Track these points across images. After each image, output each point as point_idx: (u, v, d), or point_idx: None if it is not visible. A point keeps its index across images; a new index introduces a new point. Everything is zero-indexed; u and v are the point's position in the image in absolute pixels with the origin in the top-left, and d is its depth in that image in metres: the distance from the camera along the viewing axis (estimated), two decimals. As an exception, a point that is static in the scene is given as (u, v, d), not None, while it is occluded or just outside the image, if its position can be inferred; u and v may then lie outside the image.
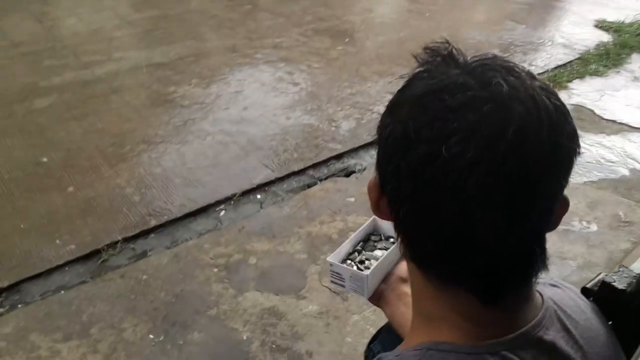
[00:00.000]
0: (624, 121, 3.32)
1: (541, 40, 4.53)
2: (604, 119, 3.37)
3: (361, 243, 1.03)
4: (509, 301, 0.57)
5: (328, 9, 5.00)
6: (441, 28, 4.75)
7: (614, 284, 0.78)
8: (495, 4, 5.48)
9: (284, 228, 2.44)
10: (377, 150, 0.58)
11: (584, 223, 2.47)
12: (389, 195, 0.57)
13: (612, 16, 4.91)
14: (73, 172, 2.74)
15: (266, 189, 2.74)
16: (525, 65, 4.07)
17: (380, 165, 0.57)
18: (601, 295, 0.79)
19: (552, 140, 0.51)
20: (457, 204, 0.50)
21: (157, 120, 3.20)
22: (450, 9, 5.28)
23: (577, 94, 3.66)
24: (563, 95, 3.65)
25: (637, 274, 0.78)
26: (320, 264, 2.22)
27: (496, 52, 3.98)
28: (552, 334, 0.60)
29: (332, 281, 0.98)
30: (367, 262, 0.99)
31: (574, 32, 4.65)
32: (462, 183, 0.49)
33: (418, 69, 0.57)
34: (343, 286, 0.97)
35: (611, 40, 4.45)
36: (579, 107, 3.49)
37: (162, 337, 1.91)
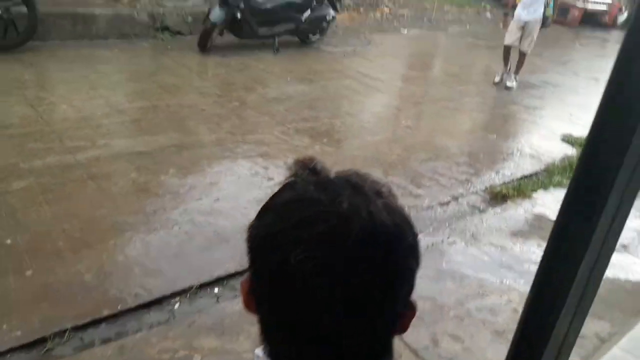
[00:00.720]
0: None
1: (510, 151, 4.75)
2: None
3: None
4: None
5: (312, 110, 5.26)
6: (415, 134, 4.99)
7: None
8: (470, 114, 5.79)
9: (236, 324, 2.43)
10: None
11: None
12: (253, 293, 0.63)
13: (578, 132, 5.19)
14: (35, 255, 2.76)
15: (225, 282, 2.76)
16: (493, 173, 4.28)
17: (248, 265, 0.63)
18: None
19: (387, 254, 0.57)
20: (304, 307, 0.57)
21: (128, 208, 3.27)
22: (429, 117, 5.57)
23: (540, 204, 3.80)
24: (526, 205, 3.80)
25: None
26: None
27: (465, 158, 4.16)
28: None
29: None
30: None
31: (541, 144, 4.90)
32: (308, 286, 0.55)
33: (287, 179, 0.65)
34: None
35: (575, 153, 4.67)
36: (541, 217, 3.61)
37: None
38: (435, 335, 2.50)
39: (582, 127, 5.43)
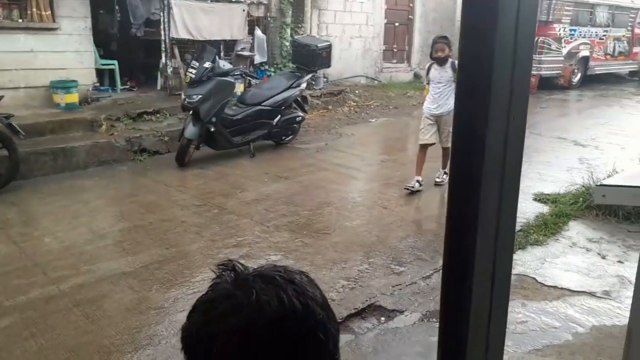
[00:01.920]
0: (564, 286, 3.47)
1: (485, 217, 4.87)
2: (545, 285, 3.51)
3: None
4: None
5: (290, 206, 5.41)
6: (391, 214, 5.12)
7: None
8: (442, 188, 5.97)
9: None
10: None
11: (530, 395, 2.45)
12: None
13: (548, 189, 5.36)
14: (21, 392, 2.73)
15: (215, 390, 2.72)
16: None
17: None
18: None
19: (295, 331, 0.67)
20: None
21: (113, 329, 3.28)
22: (403, 197, 5.74)
23: (520, 264, 3.86)
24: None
25: None
26: None
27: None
28: None
29: None
30: None
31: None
32: None
33: (213, 280, 0.76)
34: None
35: (548, 210, 4.81)
36: (522, 277, 3.65)
37: None
38: (431, 412, 2.46)
39: (552, 184, 5.63)
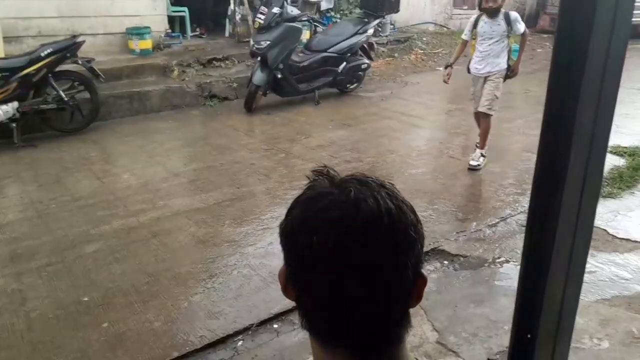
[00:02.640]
0: (637, 239, 3.35)
1: (556, 168, 4.72)
2: (617, 237, 3.41)
3: None
4: (378, 358, 0.74)
5: (354, 152, 5.45)
6: (459, 163, 5.05)
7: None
8: (514, 138, 5.80)
9: (296, 355, 2.55)
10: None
11: (595, 340, 2.45)
12: (290, 280, 0.76)
13: (626, 142, 5.09)
14: (109, 309, 3.01)
15: (283, 318, 2.89)
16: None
17: (284, 257, 0.77)
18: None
19: (390, 228, 0.71)
20: (329, 278, 0.70)
21: (189, 259, 3.51)
22: (471, 146, 5.63)
23: (592, 216, 3.74)
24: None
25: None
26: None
27: (511, 180, 4.17)
28: None
29: None
30: None
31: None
32: (331, 261, 0.69)
33: (308, 184, 0.80)
34: None
35: (625, 164, 4.59)
36: (594, 229, 3.55)
37: None
38: (491, 350, 2.51)
39: (630, 137, 5.34)
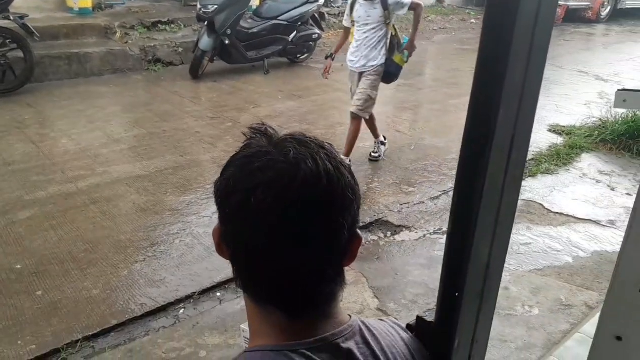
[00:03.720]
0: (570, 213, 3.53)
1: (497, 144, 4.88)
2: (552, 212, 3.57)
3: None
4: (310, 315, 0.74)
5: (303, 124, 5.43)
6: (404, 137, 5.12)
7: (425, 318, 0.95)
8: (457, 114, 5.93)
9: (238, 322, 2.54)
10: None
11: (526, 307, 2.58)
12: (224, 238, 0.75)
13: (564, 121, 5.31)
14: (44, 277, 2.89)
15: (226, 286, 2.87)
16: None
17: (218, 215, 0.75)
18: (417, 328, 0.95)
19: (328, 189, 0.70)
20: (264, 238, 0.69)
21: (129, 227, 3.41)
22: (417, 120, 5.72)
23: (528, 191, 3.90)
24: (515, 192, 3.91)
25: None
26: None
27: (454, 155, 4.26)
28: (351, 344, 0.76)
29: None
30: None
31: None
32: (267, 221, 0.68)
33: (245, 142, 0.78)
34: None
35: (562, 142, 4.79)
36: (530, 202, 3.71)
37: None
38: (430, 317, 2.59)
39: (568, 117, 5.57)
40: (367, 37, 4.06)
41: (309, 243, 0.70)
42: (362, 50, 4.11)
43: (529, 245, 3.18)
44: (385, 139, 4.65)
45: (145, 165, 4.29)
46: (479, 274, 0.86)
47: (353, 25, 4.17)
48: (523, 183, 4.06)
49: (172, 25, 7.89)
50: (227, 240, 0.74)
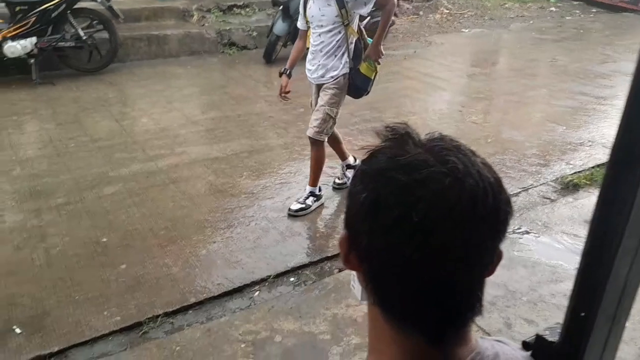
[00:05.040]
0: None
1: (580, 141, 4.63)
2: None
3: None
4: (451, 341, 0.68)
5: (374, 112, 5.36)
6: (481, 129, 4.97)
7: (546, 337, 0.90)
8: (536, 107, 5.68)
9: (312, 309, 2.56)
10: (346, 212, 0.70)
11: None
12: (358, 249, 0.69)
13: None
14: (127, 251, 3.03)
15: (299, 272, 2.90)
16: (563, 164, 4.20)
17: (351, 224, 0.69)
18: (536, 347, 0.90)
19: (495, 206, 0.64)
20: (422, 258, 0.63)
21: (207, 207, 3.50)
22: (494, 112, 5.53)
23: None
24: (600, 193, 3.71)
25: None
26: (343, 346, 2.31)
27: (534, 151, 4.11)
28: None
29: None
30: None
31: (613, 133, 4.70)
32: (428, 241, 0.62)
33: (381, 144, 0.69)
34: None
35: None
36: None
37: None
38: (509, 320, 2.52)
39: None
40: (322, 41, 3.27)
41: (470, 261, 0.64)
42: (318, 58, 3.34)
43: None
44: (355, 160, 3.86)
45: (222, 148, 4.39)
46: (614, 295, 0.81)
47: (309, 28, 3.37)
48: (608, 183, 3.86)
49: (247, 9, 7.99)
50: (365, 255, 0.68)
